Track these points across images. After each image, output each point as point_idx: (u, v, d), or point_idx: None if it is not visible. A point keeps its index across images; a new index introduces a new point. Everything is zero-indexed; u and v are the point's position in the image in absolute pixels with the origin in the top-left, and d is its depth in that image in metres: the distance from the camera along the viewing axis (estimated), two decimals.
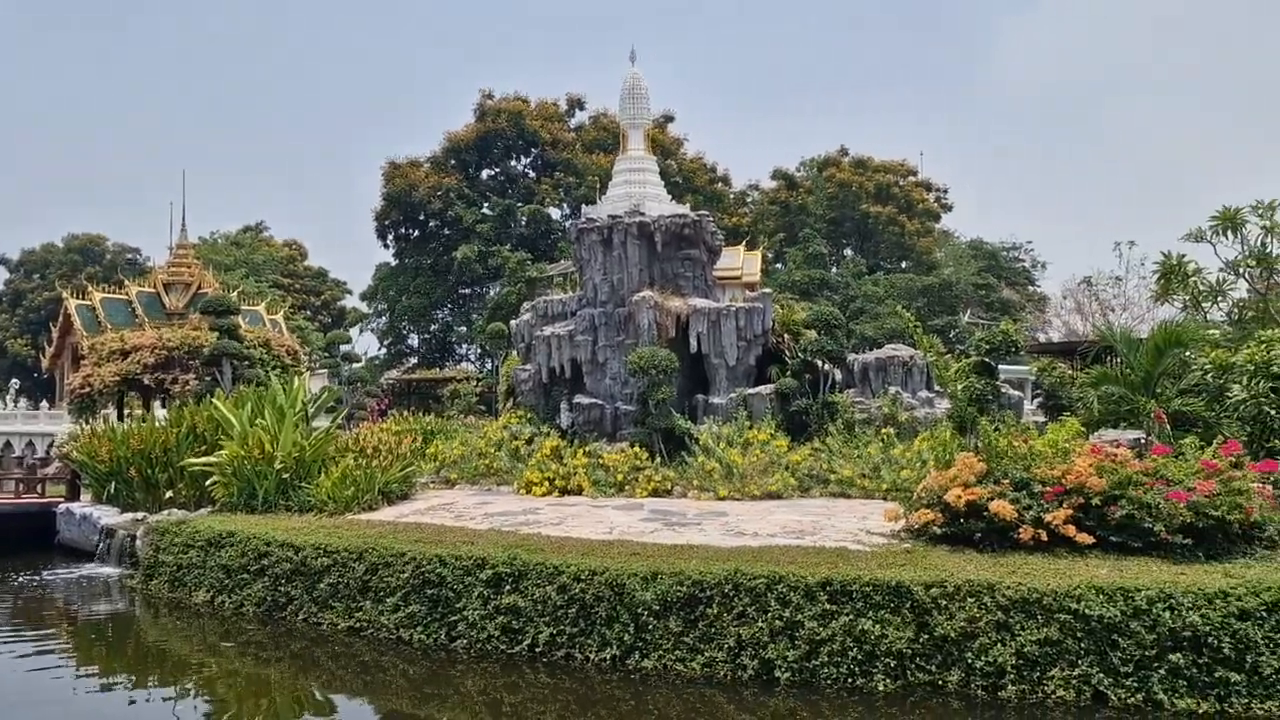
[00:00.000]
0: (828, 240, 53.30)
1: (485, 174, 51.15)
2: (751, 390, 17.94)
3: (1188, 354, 16.92)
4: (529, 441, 18.23)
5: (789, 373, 18.02)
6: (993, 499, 10.45)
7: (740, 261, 21.16)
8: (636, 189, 20.05)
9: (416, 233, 50.36)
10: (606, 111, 49.53)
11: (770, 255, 54.33)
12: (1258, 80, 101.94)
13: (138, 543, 14.99)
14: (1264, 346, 14.72)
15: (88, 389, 27.33)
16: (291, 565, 12.09)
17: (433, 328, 51.10)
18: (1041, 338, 42.58)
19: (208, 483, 16.01)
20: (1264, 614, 8.22)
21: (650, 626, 9.50)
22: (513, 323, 21.51)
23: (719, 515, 13.49)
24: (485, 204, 48.53)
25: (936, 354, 15.84)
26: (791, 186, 56.71)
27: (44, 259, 66.92)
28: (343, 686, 9.88)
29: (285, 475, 15.24)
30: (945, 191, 59.43)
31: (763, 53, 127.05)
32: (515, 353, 21.81)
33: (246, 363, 24.11)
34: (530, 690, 9.25)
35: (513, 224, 47.01)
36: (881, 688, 8.66)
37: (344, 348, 38.15)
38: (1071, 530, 10.08)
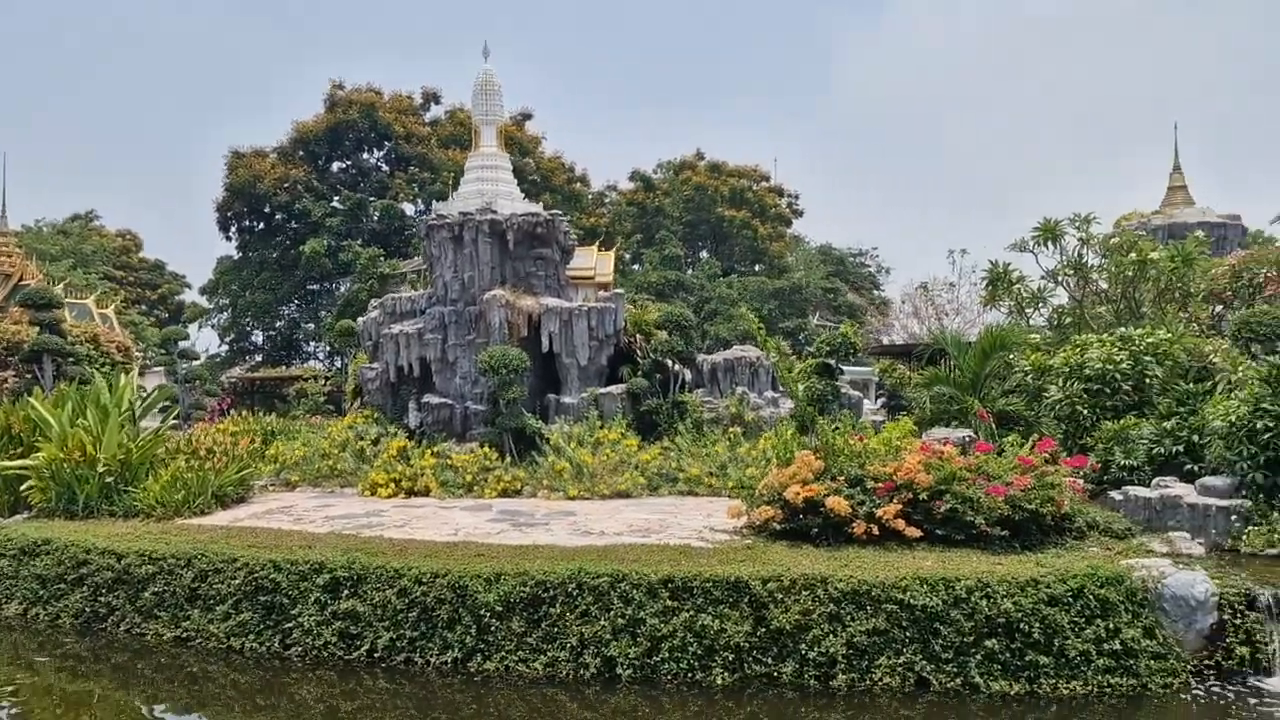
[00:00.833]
0: (684, 242, 54.16)
1: (336, 167, 49.66)
2: (603, 390, 18.04)
3: (1011, 357, 17.97)
4: (375, 442, 17.80)
5: (640, 373, 18.21)
6: (829, 495, 10.82)
7: (594, 261, 21.22)
8: (489, 186, 19.85)
9: (262, 225, 48.43)
10: (463, 106, 48.85)
11: (628, 256, 54.81)
12: (1079, 103, 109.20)
13: None
14: (1078, 350, 15.75)
15: None
16: (113, 574, 11.42)
17: (278, 324, 49.24)
18: (885, 340, 44.34)
19: (23, 487, 14.95)
20: (1070, 600, 8.80)
21: (493, 628, 9.42)
22: (360, 320, 20.97)
23: (568, 515, 13.51)
24: (335, 198, 47.09)
25: (780, 355, 16.29)
26: (649, 188, 57.35)
27: None
28: (169, 699, 9.40)
29: (109, 479, 14.39)
30: (796, 197, 61.34)
31: (622, 54, 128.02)
32: (363, 351, 21.26)
33: (71, 359, 22.65)
34: (369, 696, 9.03)
35: (364, 219, 45.80)
36: (720, 681, 8.84)
37: (182, 344, 36.35)
38: (901, 524, 10.54)
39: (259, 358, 49.37)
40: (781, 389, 18.18)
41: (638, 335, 19.11)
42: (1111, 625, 8.68)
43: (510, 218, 18.58)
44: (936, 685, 8.60)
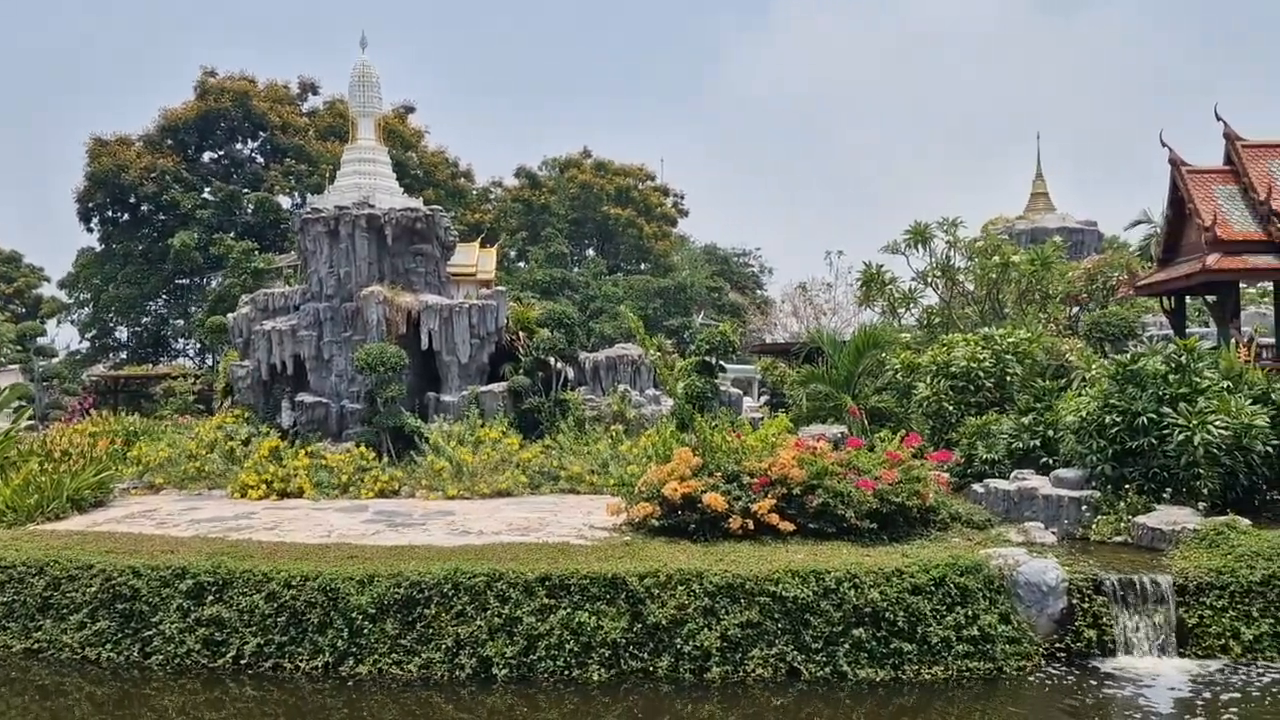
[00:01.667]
0: (570, 240, 54.02)
1: (207, 157, 47.66)
2: (484, 388, 17.86)
3: (884, 355, 18.59)
4: (246, 442, 17.20)
5: (522, 370, 18.10)
6: (706, 491, 10.98)
7: (476, 258, 20.99)
8: (366, 180, 19.41)
9: (127, 217, 46.11)
10: (343, 98, 47.47)
11: (513, 253, 54.39)
12: (951, 111, 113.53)
13: None
14: (945, 349, 16.40)
15: None
16: None
17: (145, 320, 46.97)
18: (768, 339, 45.14)
19: None
20: (932, 589, 9.16)
21: (365, 631, 9.24)
22: (230, 316, 20.24)
23: (446, 515, 13.34)
24: (207, 189, 45.23)
25: (660, 353, 16.47)
26: (535, 185, 56.98)
27: None
28: (19, 715, 8.89)
29: None
30: (682, 197, 61.85)
31: (509, 50, 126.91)
32: (234, 348, 20.53)
33: None
34: (235, 705, 8.75)
35: (238, 212, 44.11)
36: (597, 678, 8.88)
37: (39, 341, 34.40)
38: (775, 519, 10.78)
39: (124, 355, 47.05)
40: (663, 387, 18.35)
41: (520, 333, 18.99)
42: (970, 612, 9.07)
43: (389, 213, 18.21)
44: (807, 674, 8.83)
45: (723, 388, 18.02)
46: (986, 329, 17.13)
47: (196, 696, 8.95)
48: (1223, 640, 9.22)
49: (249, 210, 44.46)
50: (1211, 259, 16.83)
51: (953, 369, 15.76)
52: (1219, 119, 18.31)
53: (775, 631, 9.00)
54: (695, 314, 47.40)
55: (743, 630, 8.97)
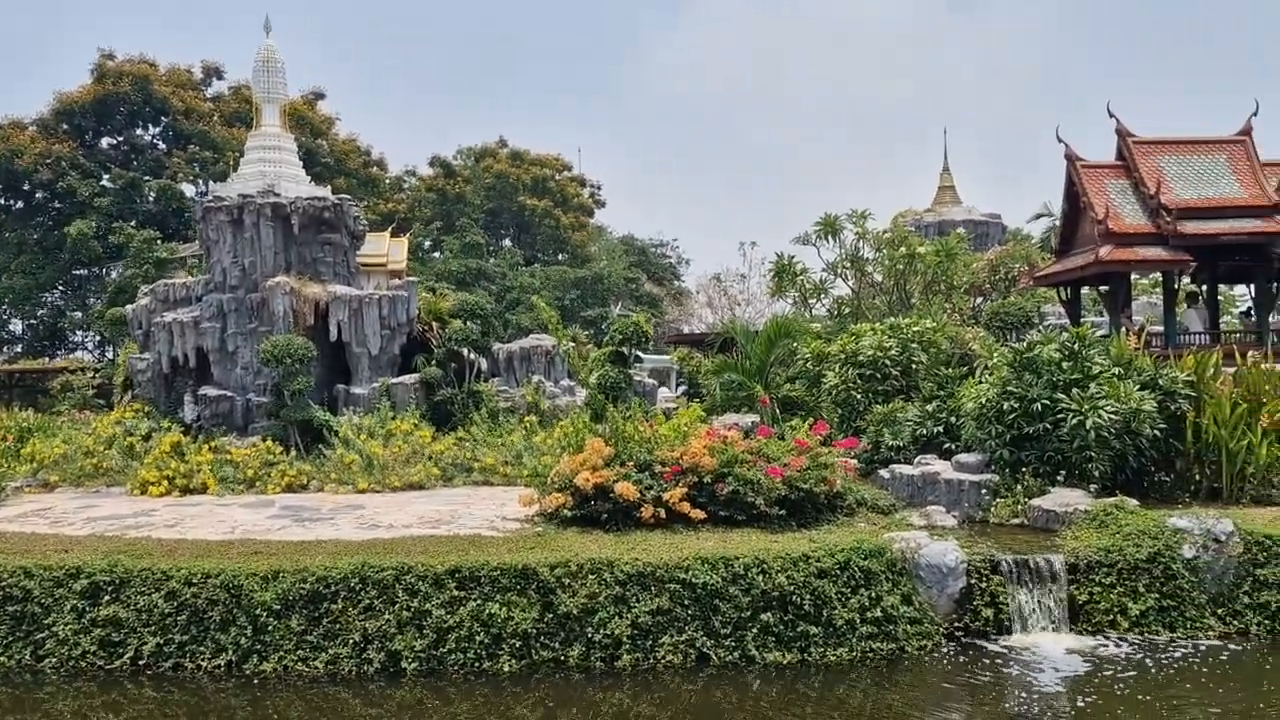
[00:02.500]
0: (486, 230, 53.54)
1: (106, 142, 45.86)
2: (395, 380, 17.63)
3: (795, 345, 18.88)
4: (147, 438, 16.68)
5: (434, 362, 17.91)
6: (618, 481, 11.03)
7: (387, 248, 20.63)
8: (272, 168, 18.93)
9: (20, 204, 44.17)
10: (249, 83, 46.18)
11: (428, 244, 53.69)
12: (863, 104, 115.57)
13: None
14: (853, 338, 16.72)
15: None
16: None
17: (41, 313, 45.07)
18: (686, 329, 45.49)
19: None
20: (838, 572, 9.38)
21: (270, 628, 9.06)
22: (129, 308, 19.58)
23: (356, 509, 13.15)
24: (105, 176, 43.57)
25: (574, 344, 16.47)
26: (450, 175, 56.27)
27: None
28: None
29: None
30: (599, 187, 61.82)
31: (423, 37, 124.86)
32: (134, 340, 19.87)
33: None
34: (134, 707, 8.51)
35: (139, 200, 42.57)
36: (508, 669, 8.87)
37: None
38: (686, 507, 10.90)
39: (18, 349, 45.17)
40: (577, 377, 18.36)
41: (433, 324, 18.78)
42: (874, 594, 9.31)
43: (295, 201, 17.80)
44: (716, 659, 8.96)
45: (637, 378, 18.12)
46: (893, 319, 17.54)
47: (93, 699, 8.68)
48: (1111, 616, 9.64)
49: (150, 198, 42.99)
50: (1104, 251, 17.49)
51: (860, 358, 16.09)
52: (1111, 115, 19.00)
53: (685, 618, 9.11)
54: (613, 305, 47.45)
55: (653, 618, 9.06)
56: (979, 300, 23.45)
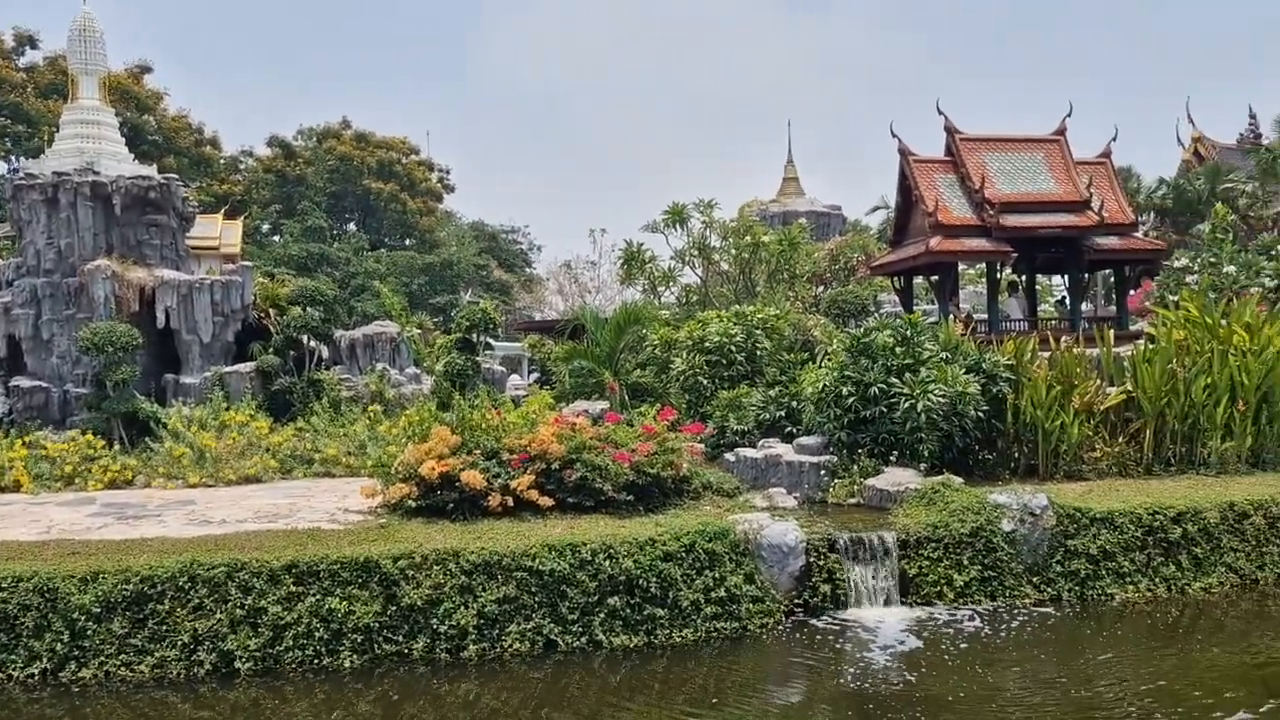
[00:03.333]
0: (329, 214, 51.79)
1: None
2: (230, 369, 16.86)
3: (644, 332, 19.07)
4: None
5: (272, 350, 17.20)
6: (465, 469, 10.88)
7: (220, 230, 19.74)
8: (91, 144, 17.74)
9: None
10: (65, 53, 43.09)
11: (266, 227, 51.54)
12: (713, 95, 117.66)
13: None
14: (700, 325, 17.01)
15: None
16: None
17: None
18: (538, 316, 45.29)
19: None
20: (683, 555, 9.53)
21: (89, 632, 8.51)
22: None
23: (186, 504, 12.51)
24: None
25: (420, 331, 16.14)
26: (290, 156, 54.08)
27: None
28: None
29: None
30: (448, 172, 60.74)
31: (264, 12, 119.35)
32: None
33: None
34: None
35: None
36: (349, 664, 8.63)
37: None
38: (535, 495, 10.84)
39: None
40: (424, 365, 18.00)
41: (270, 310, 18.04)
42: (718, 575, 9.51)
43: (117, 180, 16.72)
44: (564, 645, 8.97)
45: (487, 365, 17.91)
46: (739, 306, 17.93)
47: None
48: (938, 588, 10.16)
49: None
50: (934, 242, 18.39)
51: (707, 344, 16.38)
52: (940, 113, 19.97)
53: (533, 605, 9.07)
54: (462, 292, 46.77)
55: (500, 606, 8.98)
56: (820, 288, 24.25)
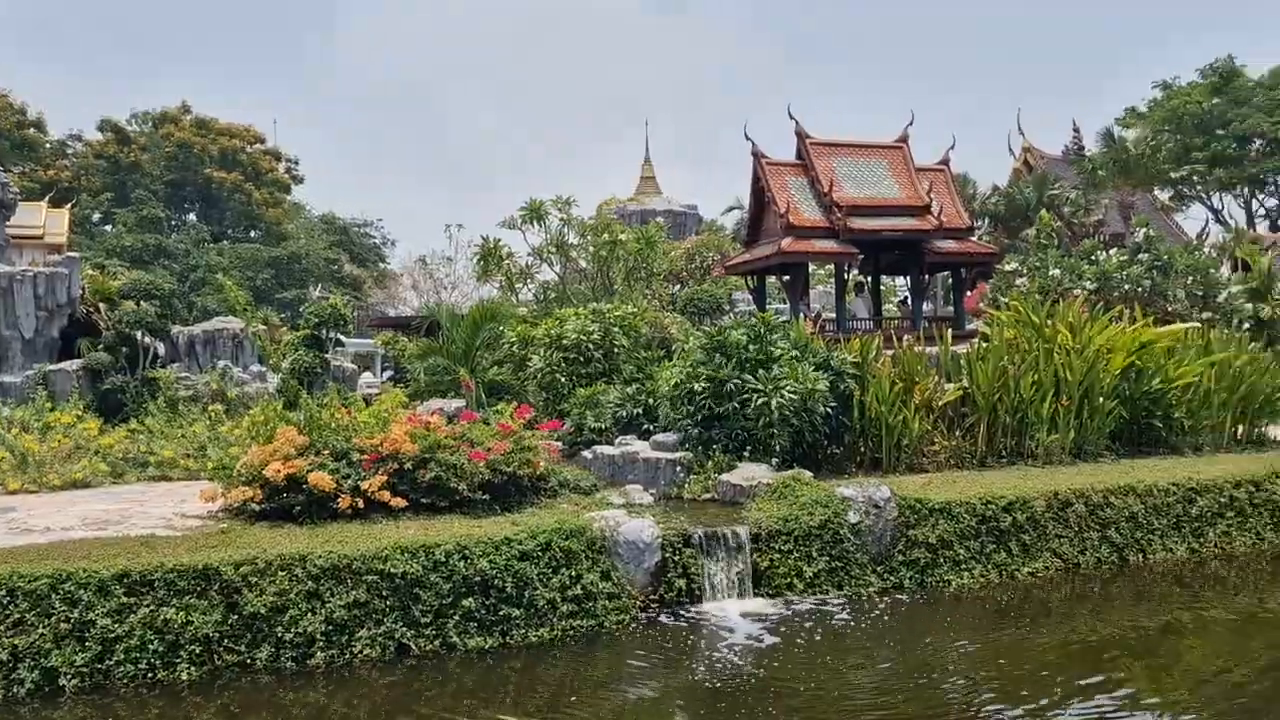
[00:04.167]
0: (167, 204, 49.27)
1: None
2: (55, 367, 15.80)
3: (501, 329, 18.90)
4: None
5: (102, 346, 16.20)
6: (312, 470, 10.50)
7: (44, 219, 18.43)
8: None
9: None
10: None
11: (97, 216, 48.56)
12: (573, 93, 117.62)
13: None
14: (558, 322, 16.98)
15: None
16: None
17: None
18: (392, 312, 44.23)
19: None
20: (539, 554, 9.47)
21: None
22: None
23: (5, 511, 11.62)
24: None
25: (265, 327, 15.52)
26: (124, 141, 51.12)
27: None
28: None
29: None
30: (296, 163, 58.66)
31: None
32: None
33: None
34: None
35: None
36: (186, 677, 8.20)
37: None
38: (386, 495, 10.56)
39: None
40: (269, 363, 17.31)
41: (101, 305, 16.99)
42: (574, 573, 9.50)
43: None
44: (416, 649, 8.78)
45: (337, 363, 17.38)
46: (597, 303, 17.98)
47: None
48: (789, 579, 10.43)
49: None
50: (785, 242, 18.90)
51: (565, 341, 16.37)
52: (792, 118, 20.54)
53: (384, 610, 8.83)
54: (311, 286, 45.25)
55: (349, 611, 8.71)
56: (677, 287, 24.60)
